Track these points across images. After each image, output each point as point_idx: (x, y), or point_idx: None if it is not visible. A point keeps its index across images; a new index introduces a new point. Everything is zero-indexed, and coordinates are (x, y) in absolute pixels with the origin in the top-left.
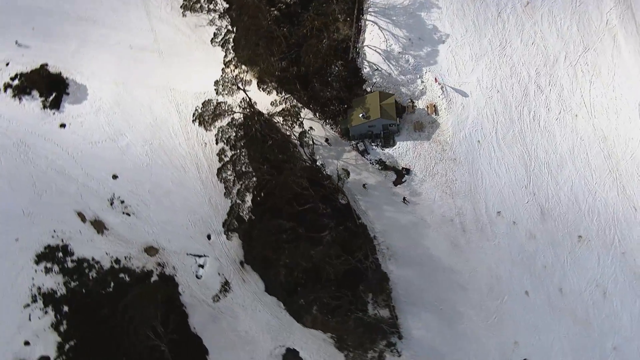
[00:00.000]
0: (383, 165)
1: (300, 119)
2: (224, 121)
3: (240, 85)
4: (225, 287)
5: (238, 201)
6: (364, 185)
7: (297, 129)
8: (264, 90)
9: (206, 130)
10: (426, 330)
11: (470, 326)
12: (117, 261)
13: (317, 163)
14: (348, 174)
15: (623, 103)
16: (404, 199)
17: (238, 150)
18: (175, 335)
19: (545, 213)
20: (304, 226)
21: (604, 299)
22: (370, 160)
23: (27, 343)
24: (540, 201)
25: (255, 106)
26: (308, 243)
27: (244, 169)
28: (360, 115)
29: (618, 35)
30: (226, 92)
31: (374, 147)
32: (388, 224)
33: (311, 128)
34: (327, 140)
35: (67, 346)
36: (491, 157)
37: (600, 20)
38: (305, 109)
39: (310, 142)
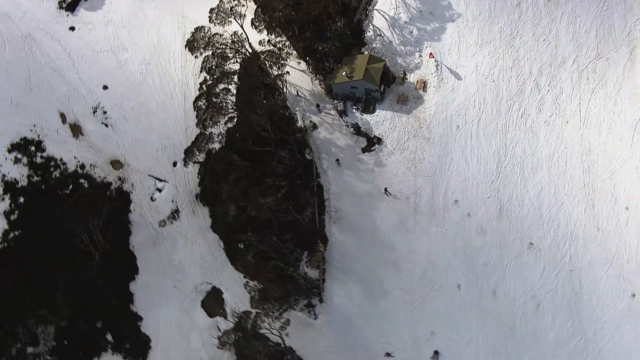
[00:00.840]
0: (357, 130)
1: (281, 62)
2: (211, 51)
3: (235, 18)
4: (175, 214)
5: (205, 132)
6: (337, 160)
7: (276, 71)
8: (256, 28)
9: (193, 55)
10: (348, 300)
11: (391, 306)
12: (82, 167)
13: (294, 113)
14: (315, 126)
15: (620, 119)
16: (386, 189)
17: (214, 80)
18: (108, 246)
19: (503, 212)
20: (259, 170)
21: (536, 312)
22: (347, 122)
23: None
24: (502, 199)
25: (246, 42)
26: (256, 186)
27: (214, 100)
28: (344, 73)
29: (637, 48)
30: (219, 21)
31: (353, 110)
32: (344, 188)
33: (287, 72)
34: (317, 106)
35: (11, 235)
36: (466, 145)
37: (622, 30)
38: (300, 60)
39: (285, 88)
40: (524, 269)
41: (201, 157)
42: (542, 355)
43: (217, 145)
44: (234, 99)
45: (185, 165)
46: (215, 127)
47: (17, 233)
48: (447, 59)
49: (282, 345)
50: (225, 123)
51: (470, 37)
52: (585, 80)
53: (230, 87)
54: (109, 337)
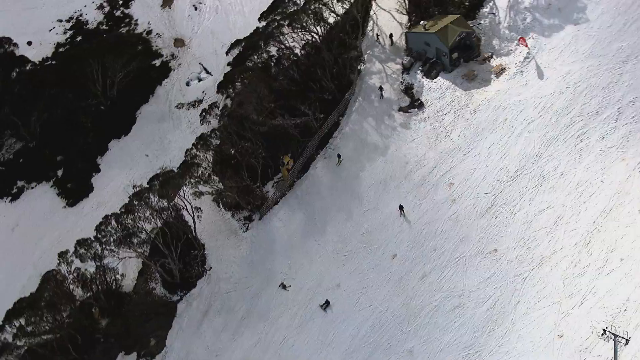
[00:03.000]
0: (407, 89)
1: None
2: None
3: None
4: (196, 103)
5: (262, 28)
6: (338, 155)
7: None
8: None
9: None
10: (284, 226)
11: (319, 247)
12: (149, 32)
13: (363, 54)
14: (362, 61)
15: None
16: (401, 207)
17: None
18: (114, 95)
19: (490, 212)
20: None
21: (451, 311)
22: (403, 80)
23: (29, 43)
24: (498, 201)
25: None
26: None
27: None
28: (422, 23)
29: None
30: None
31: (418, 71)
32: (356, 131)
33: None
34: (380, 89)
35: (50, 62)
36: (500, 139)
37: None
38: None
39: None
40: (470, 269)
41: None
42: (425, 350)
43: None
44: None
45: (227, 53)
46: (277, 30)
47: (53, 62)
48: (542, 55)
49: (195, 236)
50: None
51: (582, 45)
52: None
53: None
54: (59, 172)
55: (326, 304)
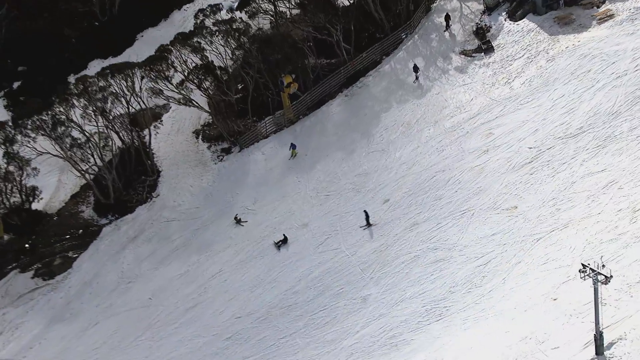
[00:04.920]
0: (479, 31)
1: None
2: None
3: None
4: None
5: None
6: (291, 144)
7: None
8: None
9: None
10: (265, 160)
11: (298, 184)
12: None
13: None
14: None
15: None
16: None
17: None
18: (115, 10)
19: (526, 168)
20: None
21: (431, 265)
22: (480, 21)
23: None
24: (543, 158)
25: None
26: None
27: None
28: None
29: None
30: None
31: (502, 14)
32: (396, 71)
33: None
34: (415, 68)
35: None
36: (574, 92)
37: None
38: None
39: None
40: (475, 223)
41: None
42: (383, 299)
43: None
44: None
45: None
46: None
47: None
48: None
49: (149, 157)
50: None
51: None
52: None
53: None
54: (17, 84)
55: (282, 242)
